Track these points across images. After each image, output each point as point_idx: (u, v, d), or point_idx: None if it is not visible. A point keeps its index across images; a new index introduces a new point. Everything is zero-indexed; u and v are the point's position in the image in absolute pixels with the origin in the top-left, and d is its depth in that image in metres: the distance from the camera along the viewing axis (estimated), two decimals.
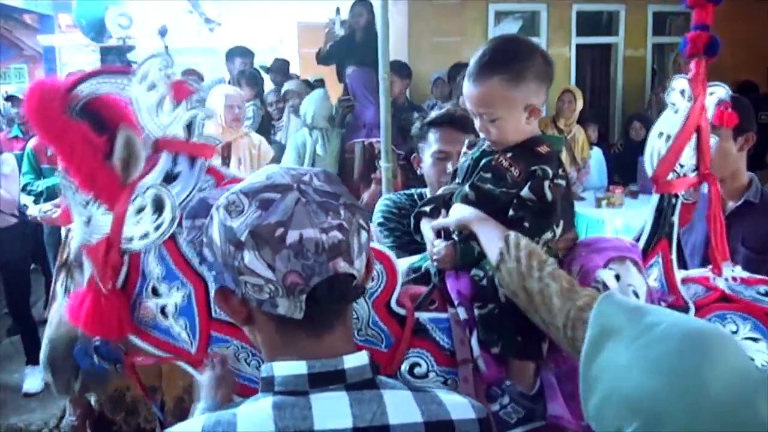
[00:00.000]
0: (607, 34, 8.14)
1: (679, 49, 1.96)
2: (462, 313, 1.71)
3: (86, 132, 1.51)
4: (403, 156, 5.33)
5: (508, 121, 1.77)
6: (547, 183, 1.73)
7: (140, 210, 1.56)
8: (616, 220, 5.30)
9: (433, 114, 2.52)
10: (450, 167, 2.37)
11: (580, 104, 6.47)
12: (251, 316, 1.12)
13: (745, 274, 2.00)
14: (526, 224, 1.72)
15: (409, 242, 2.30)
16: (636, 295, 1.76)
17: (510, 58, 1.76)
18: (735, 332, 1.86)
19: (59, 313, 1.79)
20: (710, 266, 2.02)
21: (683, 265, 2.27)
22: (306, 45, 9.00)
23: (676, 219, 1.93)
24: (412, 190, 2.69)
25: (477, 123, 1.82)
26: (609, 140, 7.65)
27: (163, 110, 1.60)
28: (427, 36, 7.10)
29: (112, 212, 1.55)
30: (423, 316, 1.72)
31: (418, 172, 2.67)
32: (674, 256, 1.93)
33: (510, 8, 7.77)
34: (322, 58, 6.51)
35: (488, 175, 1.79)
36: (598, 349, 1.08)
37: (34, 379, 5.10)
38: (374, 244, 1.65)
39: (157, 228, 1.56)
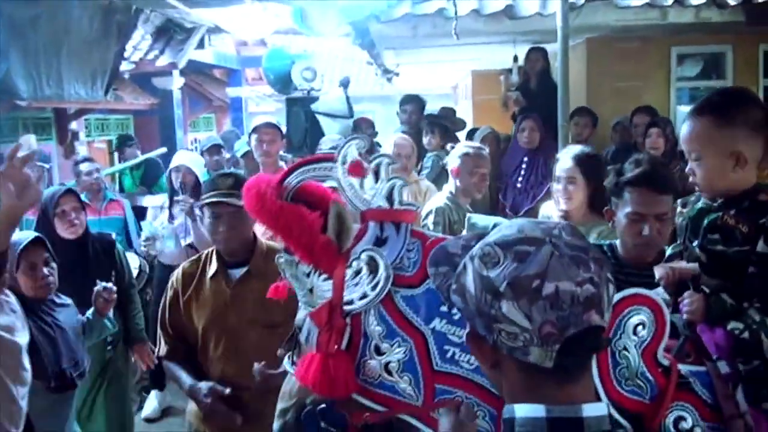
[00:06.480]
0: None
1: None
2: (723, 368, 1.68)
3: (301, 212, 1.73)
4: None
5: (710, 164, 1.80)
6: None
7: (357, 273, 1.71)
8: None
9: (630, 172, 2.37)
10: (646, 230, 2.25)
11: None
12: (499, 361, 1.15)
13: None
14: None
15: None
16: None
17: (722, 103, 1.80)
18: None
19: (289, 385, 1.94)
20: None
21: None
22: (480, 92, 9.09)
23: None
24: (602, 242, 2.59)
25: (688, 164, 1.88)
26: None
27: (365, 185, 1.78)
28: (607, 81, 6.84)
29: (332, 278, 1.71)
30: (682, 368, 1.68)
31: (609, 225, 2.58)
32: None
33: (693, 50, 7.34)
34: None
35: (716, 236, 1.78)
36: None
37: (153, 404, 5.44)
38: (643, 291, 1.64)
39: (374, 287, 1.69)
